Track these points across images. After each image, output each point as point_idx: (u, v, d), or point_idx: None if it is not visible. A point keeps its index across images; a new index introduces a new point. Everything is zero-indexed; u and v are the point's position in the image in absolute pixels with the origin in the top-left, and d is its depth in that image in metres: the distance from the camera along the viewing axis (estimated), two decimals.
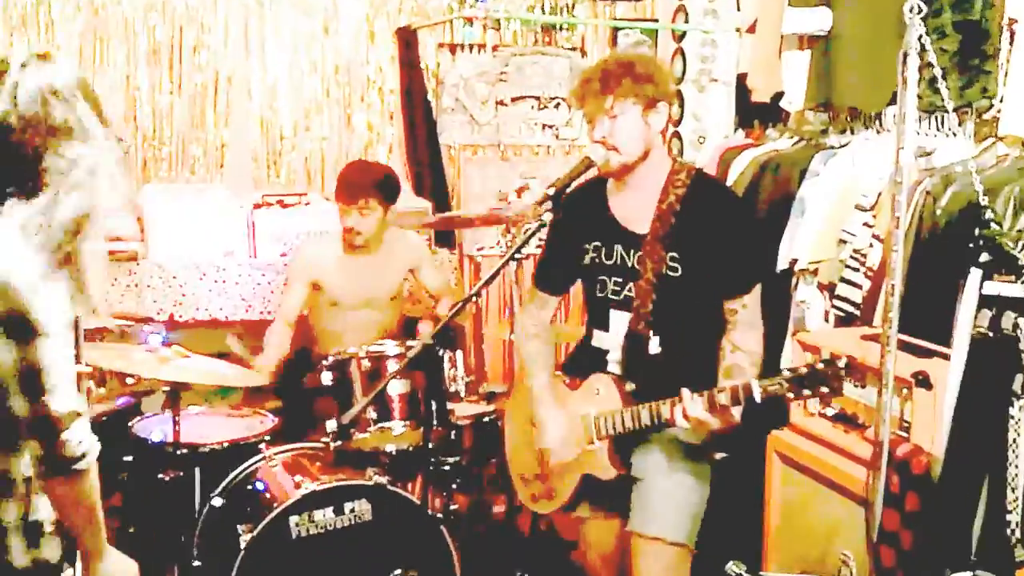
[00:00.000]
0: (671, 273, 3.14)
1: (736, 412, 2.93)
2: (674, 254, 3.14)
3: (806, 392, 2.76)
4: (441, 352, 4.07)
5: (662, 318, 3.16)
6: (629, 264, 3.20)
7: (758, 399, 2.82)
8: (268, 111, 5.91)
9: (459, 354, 4.16)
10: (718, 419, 2.93)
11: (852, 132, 4.40)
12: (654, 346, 3.16)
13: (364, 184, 4.67)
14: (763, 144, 4.85)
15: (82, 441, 2.11)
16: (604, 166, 3.16)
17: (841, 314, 3.96)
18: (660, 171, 3.21)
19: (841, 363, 2.74)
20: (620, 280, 3.23)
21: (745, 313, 3.14)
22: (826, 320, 4.10)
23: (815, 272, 4.17)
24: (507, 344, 4.32)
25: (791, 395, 2.78)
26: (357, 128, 6.08)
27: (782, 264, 4.26)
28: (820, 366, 2.75)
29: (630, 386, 3.20)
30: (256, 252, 5.45)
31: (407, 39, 6.01)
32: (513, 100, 6.33)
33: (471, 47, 6.24)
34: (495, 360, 6.07)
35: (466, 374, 4.17)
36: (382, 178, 4.73)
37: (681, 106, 5.73)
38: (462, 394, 4.16)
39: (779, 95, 4.75)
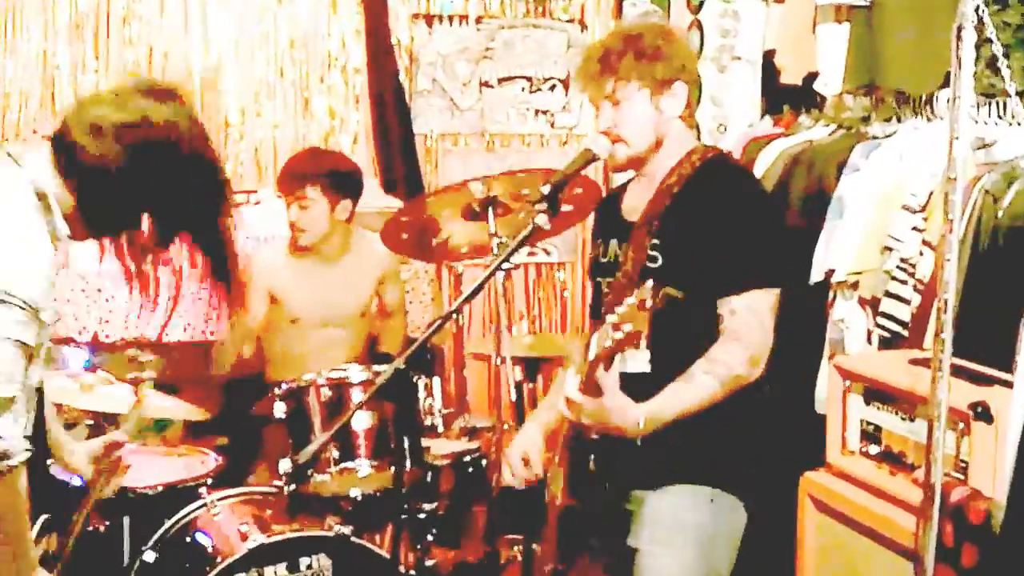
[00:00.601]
0: (650, 264, 3.07)
1: (618, 412, 2.82)
2: (656, 241, 3.08)
3: (617, 335, 2.59)
4: (415, 379, 4.08)
5: None
6: (619, 258, 3.19)
7: (592, 357, 2.72)
8: (211, 93, 5.94)
9: (436, 381, 4.19)
10: (588, 403, 2.82)
11: (899, 120, 4.41)
12: (624, 360, 2.99)
13: (303, 171, 4.70)
14: (794, 134, 4.87)
15: (2, 437, 2.13)
16: (610, 160, 3.18)
17: (886, 334, 3.97)
18: (676, 157, 3.22)
19: (646, 297, 2.60)
20: (612, 281, 3.21)
21: (733, 321, 3.01)
22: (868, 342, 4.11)
23: (855, 285, 4.18)
24: (492, 370, 4.33)
25: (609, 342, 2.60)
26: (316, 114, 6.10)
27: (816, 276, 4.28)
28: (634, 303, 2.58)
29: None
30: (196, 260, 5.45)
31: (375, 9, 6.03)
32: (500, 81, 6.36)
33: (451, 18, 6.27)
34: (479, 388, 6.07)
35: (444, 405, 4.19)
36: (330, 166, 4.76)
37: (698, 89, 5.74)
38: (440, 429, 4.18)
39: (813, 76, 4.78)
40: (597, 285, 3.32)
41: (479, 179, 4.34)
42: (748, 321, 3.02)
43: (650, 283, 2.58)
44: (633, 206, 3.26)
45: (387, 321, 5.12)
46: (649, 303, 2.55)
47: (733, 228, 3.03)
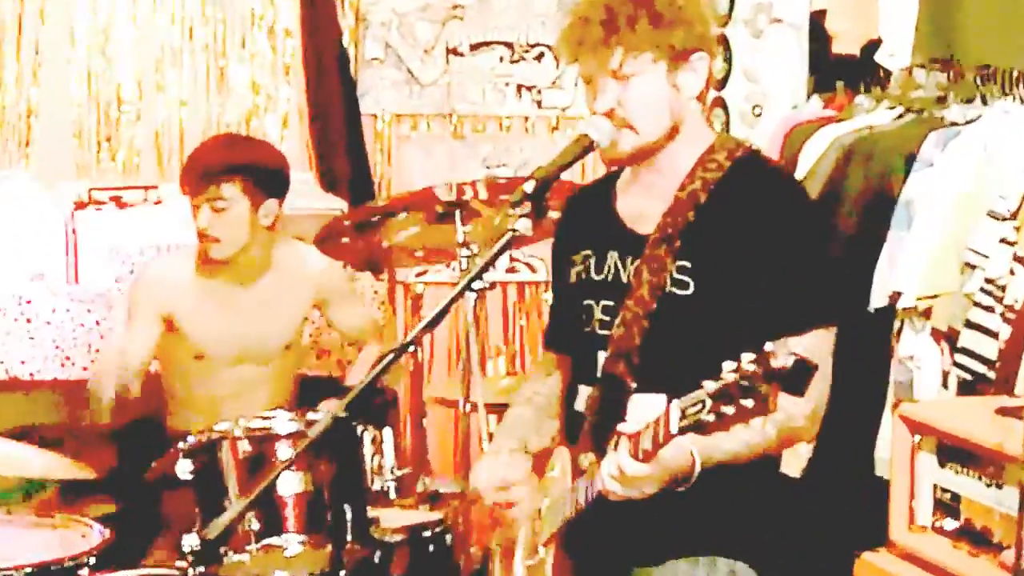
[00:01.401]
0: (677, 291, 3.11)
1: (673, 455, 2.88)
2: (684, 263, 3.11)
3: (728, 410, 2.68)
4: (360, 430, 4.07)
5: (654, 359, 3.14)
6: (624, 279, 3.20)
7: (675, 428, 2.78)
8: (99, 61, 5.92)
9: (388, 433, 4.17)
10: (652, 468, 2.88)
11: (983, 101, 4.42)
12: (636, 407, 3.04)
13: (217, 163, 4.67)
14: (850, 118, 4.87)
15: None
16: (610, 150, 3.16)
17: (967, 376, 3.97)
18: (694, 150, 3.22)
19: (780, 360, 2.65)
20: (612, 304, 3.21)
21: (781, 354, 3.08)
22: (944, 385, 4.12)
23: (927, 313, 4.18)
24: (460, 420, 4.31)
25: (712, 417, 2.71)
26: (234, 88, 6.11)
27: (878, 301, 4.28)
28: (750, 367, 2.67)
29: (588, 458, 3.19)
30: (78, 275, 5.42)
31: None
32: (473, 48, 6.36)
33: None
34: (442, 442, 6.06)
35: (398, 464, 4.18)
36: (251, 157, 4.73)
37: (727, 60, 5.75)
38: (392, 494, 4.16)
39: (874, 44, 4.78)
40: (579, 307, 3.30)
41: (445, 187, 4.34)
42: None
43: (787, 345, 2.58)
44: (637, 212, 3.25)
45: (361, 346, 5.11)
46: (784, 363, 2.56)
47: (786, 253, 3.08)
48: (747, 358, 2.59)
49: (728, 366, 2.59)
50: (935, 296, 4.15)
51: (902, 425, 3.64)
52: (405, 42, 6.27)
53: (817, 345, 3.05)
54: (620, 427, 2.93)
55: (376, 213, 4.91)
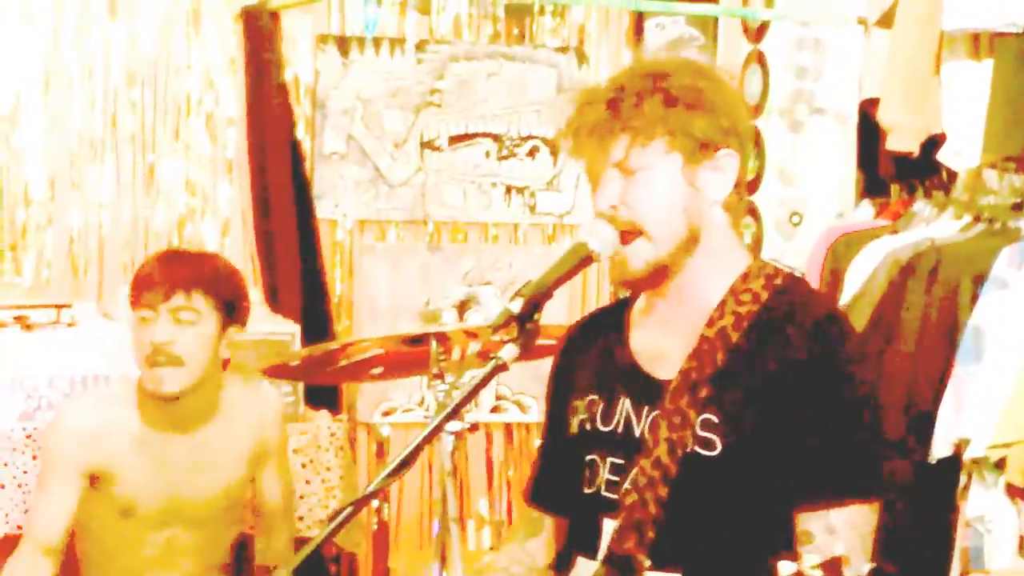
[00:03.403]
0: (702, 451, 3.09)
1: None
2: (711, 416, 3.10)
3: None
4: None
5: (673, 532, 3.14)
6: (637, 432, 3.19)
7: None
8: (2, 151, 5.94)
9: None
10: None
11: None
12: None
13: (187, 271, 4.66)
14: (907, 228, 4.90)
15: None
16: (619, 268, 3.16)
17: None
18: (722, 275, 3.23)
19: (856, 570, 2.68)
20: (622, 462, 3.19)
21: (833, 544, 3.01)
22: (1022, 551, 4.11)
23: (1001, 464, 4.17)
24: None
25: None
26: (166, 188, 6.11)
27: (941, 450, 4.29)
28: (816, 574, 2.68)
29: None
30: None
31: (259, 26, 6.08)
32: (453, 141, 6.40)
33: (377, 43, 6.33)
34: None
35: None
36: (222, 274, 4.73)
37: (759, 158, 5.78)
38: None
39: (935, 140, 4.81)
40: (581, 462, 3.30)
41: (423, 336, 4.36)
42: (853, 545, 3.02)
43: (864, 566, 2.61)
44: (655, 350, 3.25)
45: (266, 520, 5.08)
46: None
47: (834, 413, 3.08)
48: (810, 561, 2.59)
49: (786, 569, 2.58)
50: (1010, 444, 4.15)
51: None
52: (371, 134, 6.30)
53: (859, 520, 3.06)
54: None
55: (334, 361, 4.88)
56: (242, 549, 5.05)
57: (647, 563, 3.09)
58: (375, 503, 4.01)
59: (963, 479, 4.25)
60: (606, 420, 3.25)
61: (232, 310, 4.73)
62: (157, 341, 4.58)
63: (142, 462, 4.76)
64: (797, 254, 5.20)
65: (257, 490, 5.03)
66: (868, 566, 2.58)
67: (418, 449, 3.01)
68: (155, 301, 4.62)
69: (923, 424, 4.31)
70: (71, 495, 4.75)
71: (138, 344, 4.63)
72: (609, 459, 3.22)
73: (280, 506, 5.09)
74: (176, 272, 4.65)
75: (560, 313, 5.79)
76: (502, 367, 3.02)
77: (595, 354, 3.37)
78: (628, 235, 3.15)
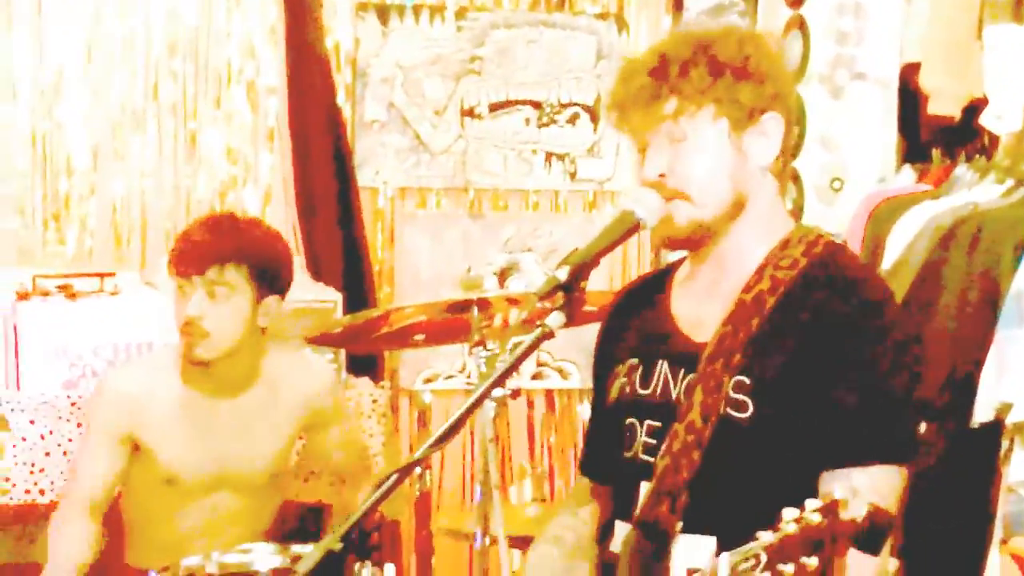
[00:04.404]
0: (734, 413, 3.11)
1: None
2: (743, 378, 3.12)
3: (787, 569, 2.68)
4: (357, 568, 4.07)
5: (705, 497, 3.16)
6: (674, 396, 3.21)
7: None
8: (45, 122, 5.96)
9: (390, 571, 4.17)
10: None
11: None
12: (683, 552, 3.07)
13: (222, 243, 4.66)
14: (949, 193, 4.90)
15: None
16: (662, 228, 3.18)
17: None
18: (765, 242, 3.24)
19: (853, 512, 2.67)
20: (659, 425, 3.21)
21: (857, 507, 3.03)
22: None
23: None
24: (475, 556, 4.30)
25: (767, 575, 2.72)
26: (207, 156, 6.13)
27: (983, 415, 4.28)
28: (815, 518, 2.67)
29: None
30: (20, 381, 5.44)
31: None
32: (493, 109, 6.40)
33: (417, 10, 6.33)
34: None
35: None
36: (258, 242, 4.73)
37: (800, 124, 5.77)
38: None
39: (977, 104, 4.81)
40: (621, 427, 3.32)
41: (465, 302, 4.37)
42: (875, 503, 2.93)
43: (850, 479, 2.59)
44: (695, 314, 3.27)
45: (341, 484, 5.11)
46: (856, 514, 2.58)
47: (866, 379, 3.09)
48: (811, 506, 2.58)
49: (789, 514, 2.58)
50: None
51: (1014, 566, 3.63)
52: (412, 101, 6.31)
53: (884, 483, 3.07)
54: None
55: (376, 328, 4.88)
56: (317, 519, 5.06)
57: (679, 527, 3.11)
58: (417, 470, 4.05)
59: (1005, 444, 4.24)
60: (644, 384, 3.28)
61: (270, 279, 4.73)
62: (189, 315, 4.62)
63: (185, 427, 4.78)
64: (838, 220, 5.19)
65: (324, 456, 5.06)
66: (865, 508, 2.57)
67: (462, 418, 3.03)
68: (190, 273, 4.65)
69: (965, 389, 4.30)
70: (114, 459, 4.78)
71: (177, 312, 4.67)
72: (646, 422, 3.24)
73: (355, 467, 5.12)
74: (211, 245, 4.65)
75: (602, 280, 5.82)
76: (548, 335, 3.03)
77: (638, 320, 3.39)
78: (673, 200, 3.17)
